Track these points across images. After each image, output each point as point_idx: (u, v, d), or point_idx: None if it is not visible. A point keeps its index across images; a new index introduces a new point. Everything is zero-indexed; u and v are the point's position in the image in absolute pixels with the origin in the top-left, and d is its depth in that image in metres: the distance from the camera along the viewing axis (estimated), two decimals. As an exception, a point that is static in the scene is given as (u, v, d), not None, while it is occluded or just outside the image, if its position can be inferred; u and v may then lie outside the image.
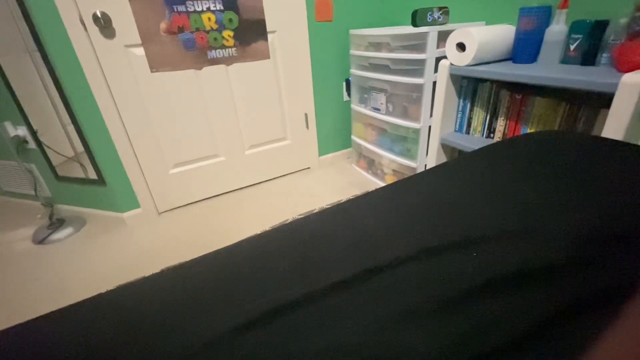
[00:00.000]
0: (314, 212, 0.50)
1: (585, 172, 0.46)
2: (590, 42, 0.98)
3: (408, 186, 0.53)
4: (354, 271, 0.35)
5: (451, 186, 0.51)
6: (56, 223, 1.51)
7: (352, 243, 0.41)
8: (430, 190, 0.50)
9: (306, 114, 1.82)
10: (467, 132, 1.30)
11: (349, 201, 0.51)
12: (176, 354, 0.29)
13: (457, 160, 0.60)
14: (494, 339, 0.27)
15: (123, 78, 1.32)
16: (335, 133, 1.98)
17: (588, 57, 1.00)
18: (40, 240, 1.44)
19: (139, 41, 1.30)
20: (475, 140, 1.24)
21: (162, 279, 0.41)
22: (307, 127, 1.85)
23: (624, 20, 0.87)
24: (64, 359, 0.30)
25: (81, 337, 0.32)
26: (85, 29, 1.20)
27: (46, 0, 1.12)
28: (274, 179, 1.88)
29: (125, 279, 1.17)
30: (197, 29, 1.37)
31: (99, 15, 1.19)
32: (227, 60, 1.49)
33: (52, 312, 0.37)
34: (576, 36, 1.01)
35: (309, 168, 1.97)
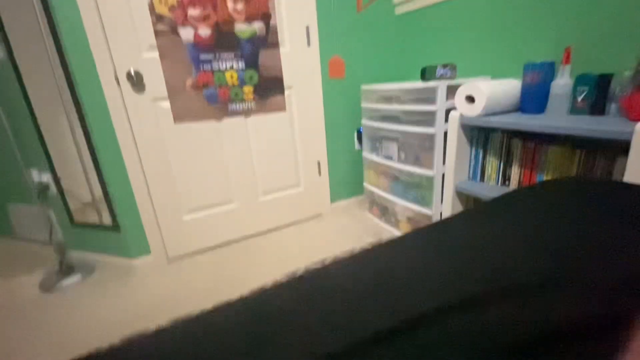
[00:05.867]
0: (335, 260, 0.48)
1: (623, 218, 0.45)
2: (597, 94, 1.02)
3: (431, 231, 0.52)
4: (391, 323, 0.33)
5: (477, 231, 0.50)
6: (65, 270, 1.48)
7: (380, 288, 0.39)
8: (455, 235, 0.49)
9: (319, 162, 1.86)
10: (482, 180, 1.30)
11: (368, 249, 0.50)
12: None
13: (478, 208, 0.59)
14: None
15: (148, 128, 1.40)
16: (347, 180, 2.01)
17: (596, 108, 1.03)
18: (47, 288, 1.41)
19: (166, 95, 1.39)
20: (490, 188, 1.23)
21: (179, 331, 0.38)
22: (320, 174, 1.88)
23: (628, 73, 0.91)
24: None
25: None
26: (119, 84, 1.30)
27: (86, 58, 1.24)
28: (286, 225, 1.87)
29: (133, 328, 1.12)
30: (220, 85, 1.48)
31: (133, 73, 1.30)
32: (246, 113, 1.58)
33: None
34: (582, 88, 1.05)
35: (320, 215, 1.96)
